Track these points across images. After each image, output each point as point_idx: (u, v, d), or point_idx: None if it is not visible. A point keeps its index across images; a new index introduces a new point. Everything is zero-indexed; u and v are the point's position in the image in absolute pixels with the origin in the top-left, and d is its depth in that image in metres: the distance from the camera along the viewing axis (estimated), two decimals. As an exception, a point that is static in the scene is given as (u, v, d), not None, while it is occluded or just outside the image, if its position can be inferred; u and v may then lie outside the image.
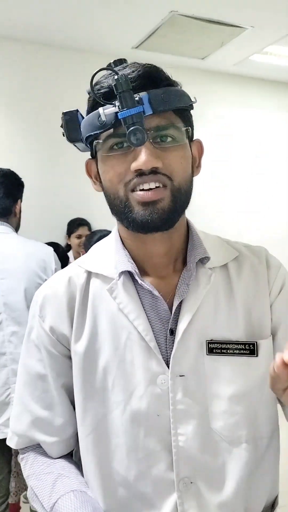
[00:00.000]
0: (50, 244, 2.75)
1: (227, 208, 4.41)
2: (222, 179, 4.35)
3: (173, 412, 0.78)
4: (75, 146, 0.84)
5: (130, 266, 0.81)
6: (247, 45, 3.80)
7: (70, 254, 3.68)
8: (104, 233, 2.73)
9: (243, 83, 4.52)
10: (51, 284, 0.88)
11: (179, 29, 3.43)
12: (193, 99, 0.79)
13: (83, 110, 0.82)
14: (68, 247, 3.75)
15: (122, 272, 0.81)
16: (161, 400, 0.79)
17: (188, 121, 0.79)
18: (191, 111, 0.81)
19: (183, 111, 0.78)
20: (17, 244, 1.88)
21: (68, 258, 3.50)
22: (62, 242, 3.69)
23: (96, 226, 3.63)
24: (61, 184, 3.76)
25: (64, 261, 3.14)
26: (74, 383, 0.84)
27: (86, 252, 0.96)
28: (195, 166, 0.83)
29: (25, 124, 3.71)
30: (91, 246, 0.93)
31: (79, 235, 3.66)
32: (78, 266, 0.87)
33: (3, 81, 3.65)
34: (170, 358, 0.79)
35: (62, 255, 3.33)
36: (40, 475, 0.86)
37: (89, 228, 3.69)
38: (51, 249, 1.98)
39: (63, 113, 0.80)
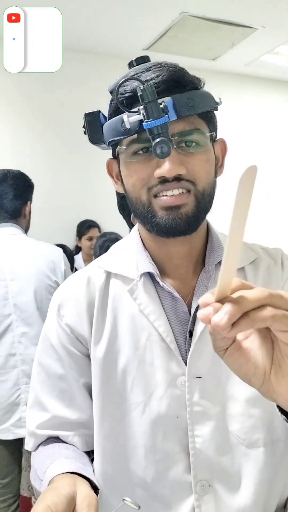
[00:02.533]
0: (56, 246, 2.75)
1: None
2: (232, 179, 4.32)
3: (190, 414, 0.78)
4: (97, 145, 0.84)
5: (152, 268, 0.81)
6: (258, 46, 3.79)
7: (79, 256, 3.68)
8: (109, 238, 2.72)
9: (254, 84, 4.50)
10: (70, 285, 0.87)
11: (189, 30, 3.42)
12: (217, 100, 0.78)
13: (89, 110, 0.81)
14: (78, 249, 3.75)
15: (143, 273, 0.81)
16: (180, 402, 0.78)
17: (212, 124, 0.79)
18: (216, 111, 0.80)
19: (207, 113, 0.77)
20: (26, 245, 1.89)
21: (74, 260, 3.48)
22: (71, 243, 3.70)
23: (105, 228, 3.63)
24: (70, 186, 3.77)
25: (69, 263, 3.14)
26: (92, 385, 0.82)
27: (94, 254, 0.96)
28: (218, 166, 0.82)
29: (35, 125, 3.72)
30: (96, 250, 0.92)
31: (90, 237, 3.66)
32: (97, 267, 0.87)
33: (13, 84, 3.67)
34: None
35: (68, 257, 3.32)
36: (43, 452, 0.83)
37: (99, 230, 3.68)
38: (60, 250, 1.99)
39: (85, 114, 0.80)
